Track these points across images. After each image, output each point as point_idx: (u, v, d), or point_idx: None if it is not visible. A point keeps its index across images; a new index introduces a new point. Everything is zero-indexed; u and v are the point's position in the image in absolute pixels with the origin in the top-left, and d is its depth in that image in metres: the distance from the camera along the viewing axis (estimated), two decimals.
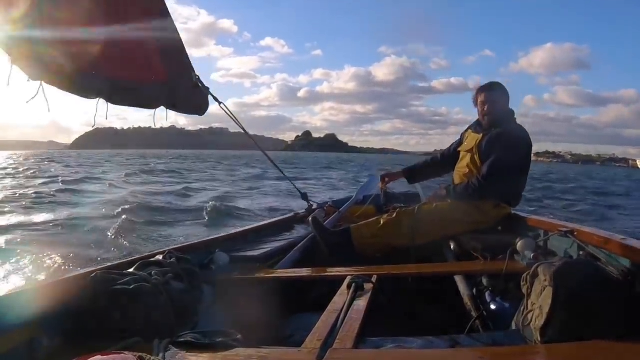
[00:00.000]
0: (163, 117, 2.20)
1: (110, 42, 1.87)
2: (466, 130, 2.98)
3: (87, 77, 1.85)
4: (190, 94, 2.25)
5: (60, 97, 1.74)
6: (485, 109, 2.73)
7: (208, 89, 2.36)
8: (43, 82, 1.74)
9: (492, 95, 2.73)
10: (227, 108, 2.67)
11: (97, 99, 1.93)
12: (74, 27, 1.78)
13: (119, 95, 1.97)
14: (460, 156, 2.92)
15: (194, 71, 2.25)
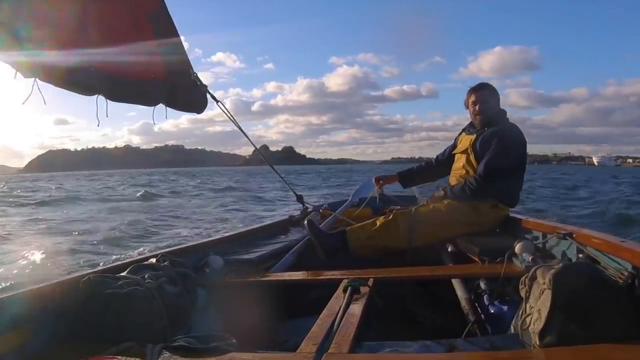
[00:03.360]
0: (160, 116, 2.20)
1: (108, 40, 1.86)
2: (459, 134, 2.99)
3: (86, 74, 1.83)
4: (188, 92, 2.25)
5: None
6: (477, 109, 2.75)
7: (206, 86, 2.35)
8: (37, 80, 1.71)
9: (483, 95, 2.76)
10: (224, 106, 2.66)
11: (97, 95, 1.91)
12: (71, 24, 1.76)
13: (118, 92, 1.96)
14: (455, 158, 2.92)
15: (192, 69, 2.24)
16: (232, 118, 2.85)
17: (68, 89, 1.85)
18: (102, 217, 11.53)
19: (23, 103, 1.72)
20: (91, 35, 1.81)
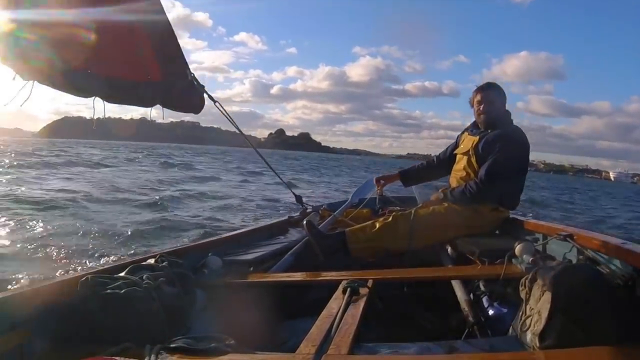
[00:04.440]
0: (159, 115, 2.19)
1: (103, 40, 1.86)
2: (462, 133, 2.97)
3: (82, 76, 1.83)
4: (185, 92, 2.24)
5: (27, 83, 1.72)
6: (481, 108, 2.72)
7: (203, 87, 2.35)
8: (35, 82, 1.72)
9: (489, 95, 2.73)
10: (221, 106, 2.66)
11: (93, 97, 1.92)
12: (65, 25, 1.77)
13: (114, 93, 1.96)
14: (457, 159, 2.90)
15: (189, 69, 2.23)
16: (229, 118, 2.85)
17: (65, 92, 1.86)
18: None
19: (21, 105, 1.73)
20: (86, 38, 1.81)
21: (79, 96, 1.91)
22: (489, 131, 2.67)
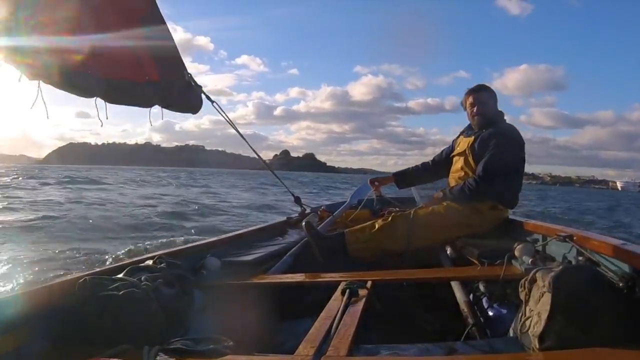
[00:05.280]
0: (157, 117, 2.19)
1: (102, 43, 1.86)
2: (457, 137, 2.99)
3: (82, 76, 1.84)
4: (183, 93, 2.25)
5: (31, 110, 1.77)
6: (475, 110, 2.74)
7: (201, 87, 2.36)
8: (41, 82, 1.73)
9: (481, 97, 2.76)
10: (219, 107, 2.66)
11: (94, 97, 1.93)
12: (65, 27, 1.77)
13: (114, 94, 1.97)
14: (454, 161, 2.91)
15: (186, 70, 2.24)
16: (228, 119, 2.86)
17: (69, 92, 1.87)
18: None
19: (31, 107, 1.74)
20: (85, 39, 1.82)
21: (81, 96, 1.92)
22: (484, 130, 2.69)
